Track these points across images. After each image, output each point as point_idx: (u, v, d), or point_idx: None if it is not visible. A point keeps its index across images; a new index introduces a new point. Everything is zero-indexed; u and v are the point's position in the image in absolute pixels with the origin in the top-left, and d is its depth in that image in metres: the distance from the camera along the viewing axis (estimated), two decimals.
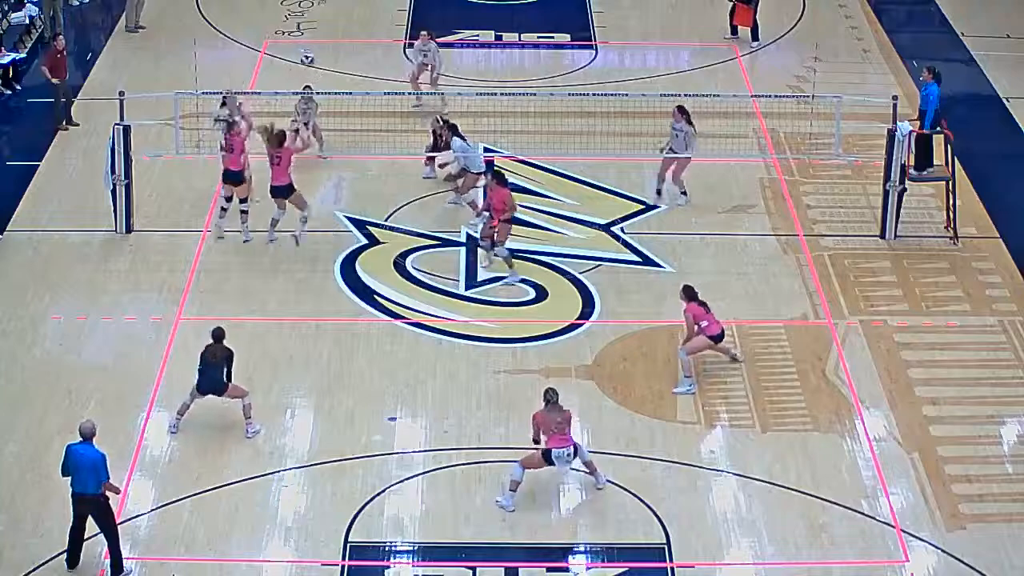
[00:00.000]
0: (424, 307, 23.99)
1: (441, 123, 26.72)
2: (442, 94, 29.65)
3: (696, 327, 21.89)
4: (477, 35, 34.26)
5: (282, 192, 25.07)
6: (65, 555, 18.32)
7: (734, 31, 34.01)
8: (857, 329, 23.51)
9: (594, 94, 29.99)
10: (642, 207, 26.77)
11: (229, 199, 25.51)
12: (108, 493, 18.04)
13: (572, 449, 19.39)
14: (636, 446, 20.84)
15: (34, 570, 18.42)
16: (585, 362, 22.71)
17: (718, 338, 21.98)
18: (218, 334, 20.81)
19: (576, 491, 20.00)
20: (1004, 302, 24.47)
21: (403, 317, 23.74)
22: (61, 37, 30.09)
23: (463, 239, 25.85)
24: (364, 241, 25.80)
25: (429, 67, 30.35)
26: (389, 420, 21.35)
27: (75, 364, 22.43)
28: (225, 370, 20.65)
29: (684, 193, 26.89)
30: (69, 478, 18.05)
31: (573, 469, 19.83)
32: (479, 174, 26.07)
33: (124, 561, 18.26)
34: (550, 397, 19.46)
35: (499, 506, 19.48)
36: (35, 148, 28.68)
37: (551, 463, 19.39)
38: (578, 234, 25.94)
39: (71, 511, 18.13)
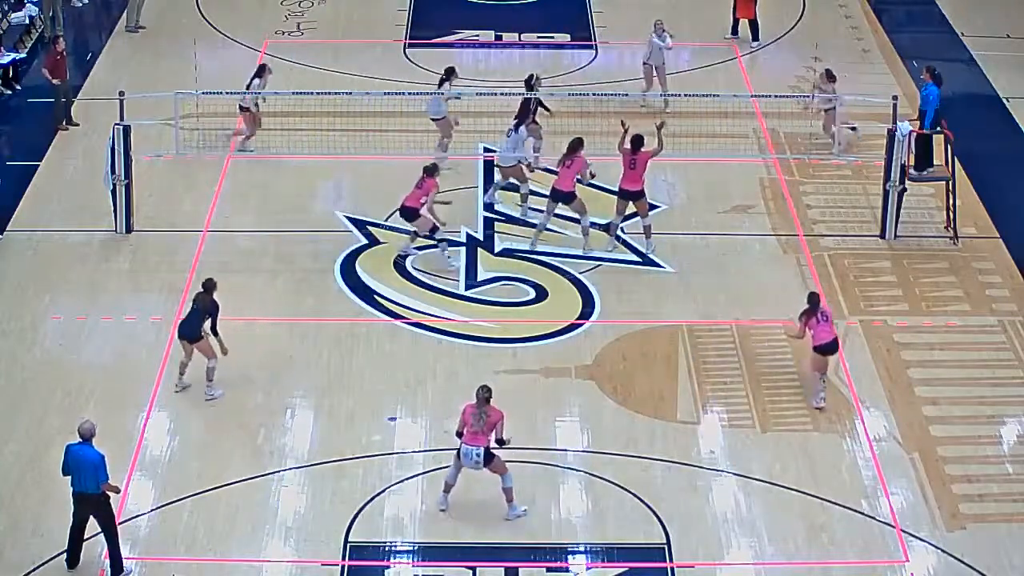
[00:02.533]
0: (424, 307, 24.00)
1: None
2: (664, 95, 29.92)
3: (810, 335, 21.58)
4: (477, 35, 34.25)
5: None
6: (65, 555, 18.32)
7: (735, 30, 34.01)
8: (857, 329, 23.51)
9: (594, 94, 30.03)
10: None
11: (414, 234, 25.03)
12: (108, 493, 18.04)
13: (481, 451, 18.90)
14: (636, 446, 20.84)
15: (34, 570, 18.42)
16: (585, 362, 22.72)
17: (824, 348, 21.51)
18: (207, 284, 21.63)
19: (576, 491, 20.00)
20: (1004, 302, 24.48)
21: (403, 317, 23.75)
22: (61, 39, 30.08)
23: (463, 239, 25.86)
24: (364, 241, 25.80)
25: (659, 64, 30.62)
26: (389, 420, 21.36)
27: (75, 364, 22.43)
28: (205, 321, 21.39)
29: (854, 129, 28.46)
30: (69, 478, 18.06)
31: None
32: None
33: (124, 561, 18.26)
34: (479, 394, 19.04)
35: (440, 508, 19.42)
36: (35, 148, 28.68)
37: (458, 458, 19.19)
38: (578, 234, 25.91)
39: (71, 511, 18.13)
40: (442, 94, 27.61)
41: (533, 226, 25.72)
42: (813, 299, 21.77)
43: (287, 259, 25.22)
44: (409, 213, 24.70)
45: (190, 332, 21.50)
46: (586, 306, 24.14)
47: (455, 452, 19.23)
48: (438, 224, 24.78)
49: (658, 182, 27.34)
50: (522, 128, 26.55)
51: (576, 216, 25.50)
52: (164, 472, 20.22)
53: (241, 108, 28.11)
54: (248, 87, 27.99)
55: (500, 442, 19.09)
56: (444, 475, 19.52)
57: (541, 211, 25.78)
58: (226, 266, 24.93)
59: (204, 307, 21.51)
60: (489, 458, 19.03)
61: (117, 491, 18.33)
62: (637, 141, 25.03)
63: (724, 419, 21.52)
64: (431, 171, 24.68)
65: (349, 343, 23.06)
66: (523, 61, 33.24)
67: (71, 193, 27.22)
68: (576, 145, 25.20)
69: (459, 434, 19.15)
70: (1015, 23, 35.10)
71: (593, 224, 26.11)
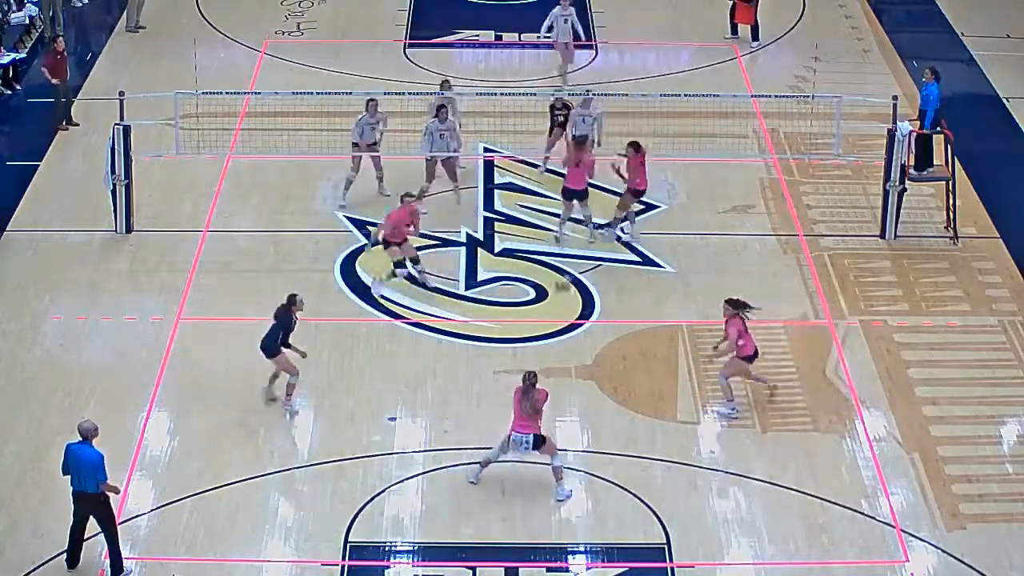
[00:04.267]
0: (424, 307, 23.99)
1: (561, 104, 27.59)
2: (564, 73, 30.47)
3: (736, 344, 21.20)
4: (477, 35, 34.22)
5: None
6: (65, 555, 18.31)
7: (734, 30, 34.01)
8: (857, 329, 23.51)
9: (594, 94, 29.99)
10: (642, 207, 26.76)
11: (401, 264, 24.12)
12: (108, 493, 18.03)
13: (530, 438, 19.28)
14: (636, 446, 20.84)
15: (34, 570, 18.42)
16: (585, 362, 22.72)
17: (752, 358, 21.36)
18: (288, 299, 21.10)
19: (576, 491, 19.99)
20: (1004, 302, 24.48)
21: (403, 317, 23.74)
22: (61, 39, 30.07)
23: (463, 239, 25.86)
24: (364, 241, 25.79)
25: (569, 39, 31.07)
26: (389, 420, 21.36)
27: (75, 364, 22.42)
28: (280, 334, 20.93)
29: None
30: (69, 477, 18.06)
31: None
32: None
33: (124, 561, 18.25)
34: (526, 379, 19.38)
35: (469, 480, 19.74)
36: (35, 148, 28.67)
37: (508, 444, 19.48)
38: (578, 234, 25.92)
39: (72, 510, 18.13)
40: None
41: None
42: (739, 305, 21.22)
43: (287, 259, 25.22)
44: (386, 242, 24.16)
45: (265, 348, 21.09)
46: (586, 306, 24.15)
47: (505, 439, 19.45)
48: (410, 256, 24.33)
49: (658, 182, 27.33)
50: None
51: (582, 216, 25.52)
52: (164, 472, 20.22)
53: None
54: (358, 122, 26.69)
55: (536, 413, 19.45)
56: (484, 455, 19.72)
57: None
58: (226, 266, 24.95)
59: (278, 320, 21.08)
60: (539, 442, 19.39)
61: (117, 491, 18.31)
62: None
63: (724, 419, 21.50)
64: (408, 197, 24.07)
65: (349, 343, 23.05)
66: (523, 61, 33.26)
67: (71, 193, 27.22)
68: (582, 141, 25.36)
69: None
70: (1015, 23, 35.10)
71: (593, 224, 26.17)
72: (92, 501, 17.95)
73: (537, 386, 19.41)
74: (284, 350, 21.07)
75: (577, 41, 31.46)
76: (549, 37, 31.29)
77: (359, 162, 26.56)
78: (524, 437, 19.32)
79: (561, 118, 27.62)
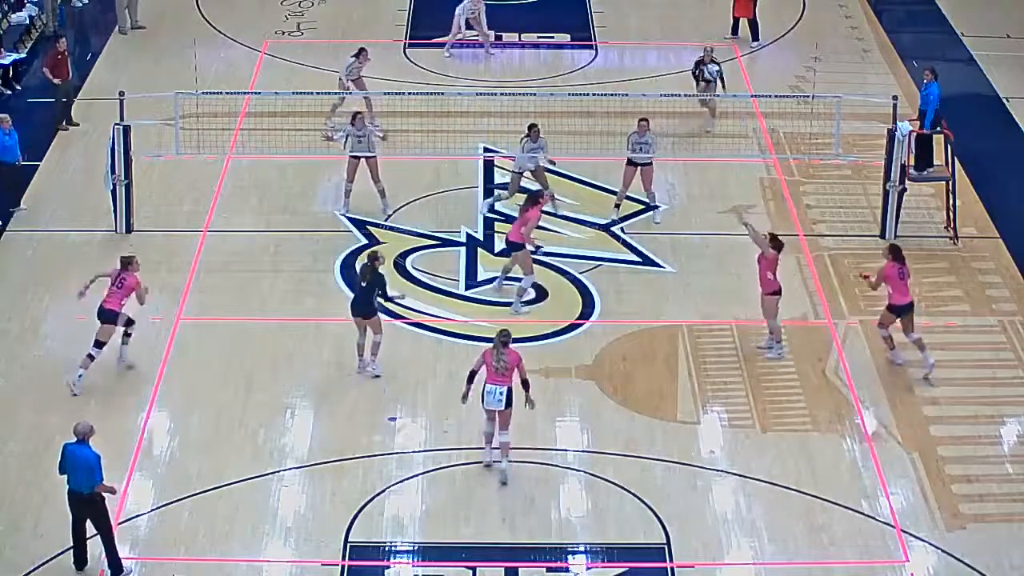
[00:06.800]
0: (424, 307, 23.99)
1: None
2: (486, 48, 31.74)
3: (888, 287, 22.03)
4: (477, 35, 34.22)
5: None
6: (72, 556, 18.26)
7: (735, 30, 34.00)
8: (857, 329, 23.50)
9: (594, 94, 30.01)
10: (642, 207, 26.78)
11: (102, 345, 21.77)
12: (104, 494, 17.99)
13: (504, 391, 19.52)
14: (636, 446, 20.84)
15: (34, 570, 18.42)
16: (585, 362, 22.71)
17: (901, 309, 22.02)
18: (371, 256, 21.83)
19: (576, 491, 20.01)
20: (1004, 302, 24.48)
21: (403, 317, 23.74)
22: (63, 38, 30.07)
23: (463, 239, 25.87)
24: (364, 241, 25.80)
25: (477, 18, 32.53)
26: (389, 420, 21.36)
27: (75, 364, 22.36)
28: (375, 295, 21.71)
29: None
30: (66, 476, 18.04)
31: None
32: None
33: (124, 561, 18.23)
34: (499, 338, 19.71)
35: (502, 482, 19.79)
36: (35, 148, 28.66)
37: (483, 399, 19.69)
38: (578, 234, 25.93)
39: (69, 511, 18.12)
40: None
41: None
42: (896, 250, 22.19)
43: (287, 259, 25.22)
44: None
45: (362, 310, 21.82)
46: (586, 306, 24.15)
47: (483, 396, 19.67)
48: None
49: (658, 182, 27.33)
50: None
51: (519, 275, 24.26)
52: (164, 472, 20.22)
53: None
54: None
55: (525, 383, 19.63)
56: (482, 430, 20.04)
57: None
58: (226, 266, 24.94)
59: (367, 281, 21.76)
60: (509, 401, 19.54)
61: (112, 492, 18.23)
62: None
63: (724, 419, 21.52)
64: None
65: (349, 343, 23.03)
66: (523, 61, 33.27)
67: (71, 193, 27.22)
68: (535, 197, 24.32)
69: (472, 374, 19.75)
70: (1015, 23, 35.12)
71: (592, 224, 26.17)
72: (85, 501, 17.90)
73: (510, 347, 19.64)
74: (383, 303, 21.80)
75: (473, 30, 33.11)
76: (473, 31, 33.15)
77: (354, 171, 26.43)
78: (499, 388, 19.47)
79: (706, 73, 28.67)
